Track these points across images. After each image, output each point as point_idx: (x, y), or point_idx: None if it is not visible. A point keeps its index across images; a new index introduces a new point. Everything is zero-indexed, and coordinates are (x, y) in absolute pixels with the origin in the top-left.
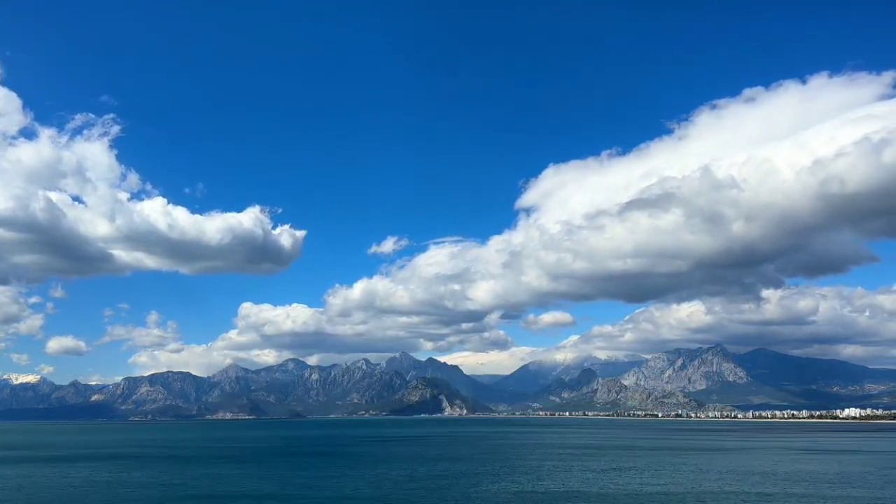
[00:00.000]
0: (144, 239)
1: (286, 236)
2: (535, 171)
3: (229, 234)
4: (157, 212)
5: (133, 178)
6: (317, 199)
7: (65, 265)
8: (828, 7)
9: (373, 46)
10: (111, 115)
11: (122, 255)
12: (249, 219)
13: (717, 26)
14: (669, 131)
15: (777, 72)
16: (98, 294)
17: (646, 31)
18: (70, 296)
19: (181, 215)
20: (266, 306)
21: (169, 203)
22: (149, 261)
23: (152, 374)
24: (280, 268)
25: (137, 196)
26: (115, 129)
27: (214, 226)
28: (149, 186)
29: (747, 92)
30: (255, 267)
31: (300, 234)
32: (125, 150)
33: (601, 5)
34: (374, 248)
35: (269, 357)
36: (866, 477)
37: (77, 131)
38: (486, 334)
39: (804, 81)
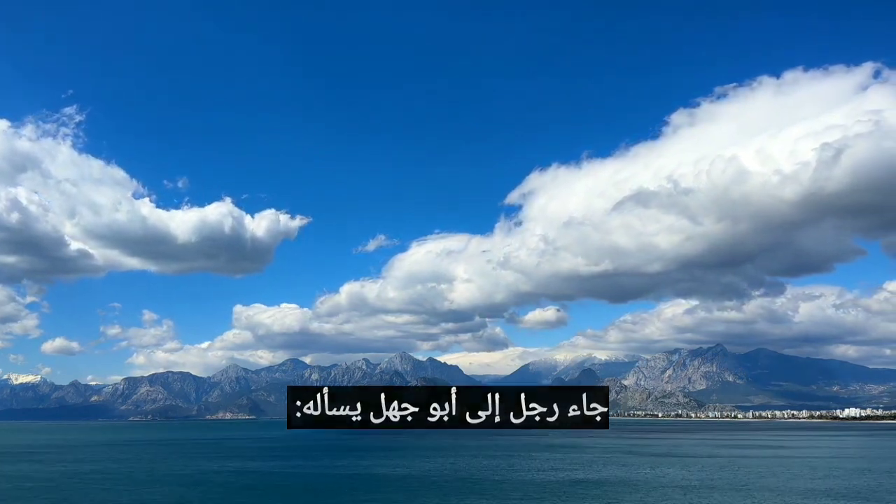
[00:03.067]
0: (118, 237)
1: (268, 225)
2: (519, 173)
3: (204, 229)
4: (133, 209)
5: (106, 174)
6: (306, 198)
7: (42, 265)
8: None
9: (364, 46)
10: (74, 107)
11: (96, 253)
12: (220, 212)
13: (696, 24)
14: (650, 131)
15: (753, 68)
16: (88, 294)
17: (631, 32)
18: (58, 297)
19: (153, 211)
20: (259, 307)
21: (139, 199)
22: (131, 261)
23: (152, 375)
24: (263, 265)
25: (105, 189)
26: (78, 118)
27: (190, 220)
28: (124, 180)
29: (719, 89)
30: (238, 266)
31: (293, 224)
32: (96, 145)
33: (589, 9)
34: (360, 248)
35: (263, 357)
36: None
37: (36, 124)
38: (480, 333)
39: (778, 76)
